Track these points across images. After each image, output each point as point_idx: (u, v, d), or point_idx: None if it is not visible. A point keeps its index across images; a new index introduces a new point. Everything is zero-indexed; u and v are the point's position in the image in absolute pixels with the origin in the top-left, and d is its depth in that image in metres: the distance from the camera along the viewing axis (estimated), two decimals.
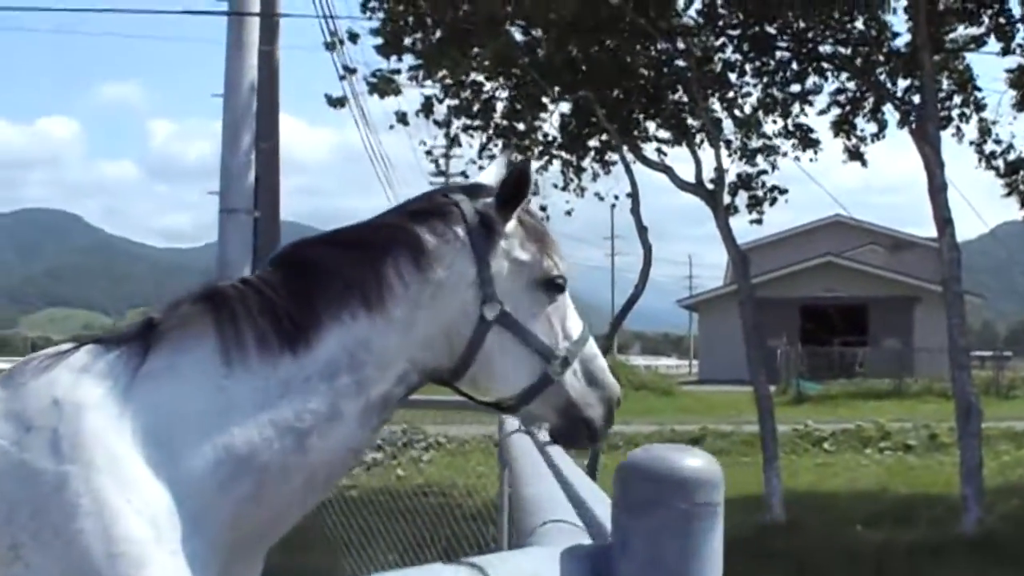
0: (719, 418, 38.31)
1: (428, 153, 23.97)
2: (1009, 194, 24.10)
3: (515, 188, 4.24)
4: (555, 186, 24.44)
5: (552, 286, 4.30)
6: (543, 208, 24.47)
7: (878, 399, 47.93)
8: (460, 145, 23.69)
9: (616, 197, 24.77)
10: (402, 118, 21.95)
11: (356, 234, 4.28)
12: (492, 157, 22.67)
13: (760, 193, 23.79)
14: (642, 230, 21.46)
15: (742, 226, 25.52)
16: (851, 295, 68.40)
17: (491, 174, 4.66)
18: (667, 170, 22.01)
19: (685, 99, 22.41)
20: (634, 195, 21.64)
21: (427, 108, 22.19)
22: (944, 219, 18.89)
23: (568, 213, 24.85)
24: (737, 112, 23.12)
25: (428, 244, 4.12)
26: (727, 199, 22.37)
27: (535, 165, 23.59)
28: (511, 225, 4.28)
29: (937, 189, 19.02)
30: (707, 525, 2.05)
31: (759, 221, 24.19)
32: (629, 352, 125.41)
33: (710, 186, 21.39)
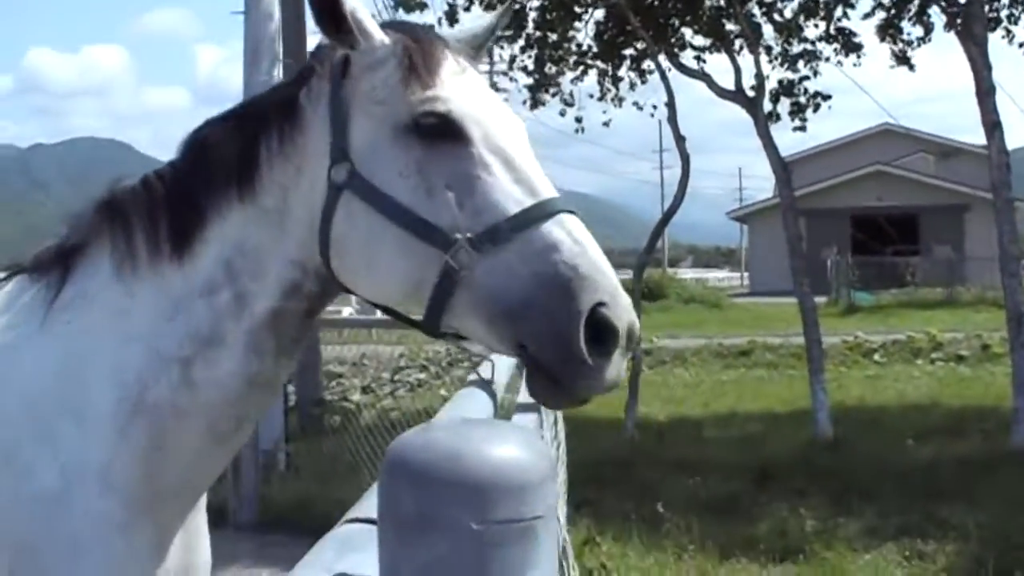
0: (768, 331, 38.03)
1: None
2: None
3: None
4: (591, 96, 23.78)
5: (424, 131, 3.12)
6: (578, 120, 23.98)
7: (930, 309, 47.42)
8: (490, 58, 23.07)
9: (655, 107, 24.18)
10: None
11: (247, 105, 3.57)
12: (524, 68, 22.20)
13: (802, 100, 23.08)
14: (679, 139, 20.98)
15: (790, 137, 25.00)
16: (901, 204, 67.60)
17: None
18: (705, 77, 21.38)
19: (722, 3, 21.71)
20: (671, 104, 21.10)
21: (451, 16, 21.38)
22: (992, 123, 18.26)
23: (606, 124, 24.28)
24: (777, 16, 22.36)
25: (297, 107, 3.33)
26: (768, 106, 21.74)
27: (570, 75, 23.11)
28: (376, 56, 3.26)
29: (984, 92, 18.38)
30: (513, 554, 1.31)
31: (803, 128, 23.46)
32: (681, 266, 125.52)
33: (750, 93, 20.74)
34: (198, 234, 3.31)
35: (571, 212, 3.08)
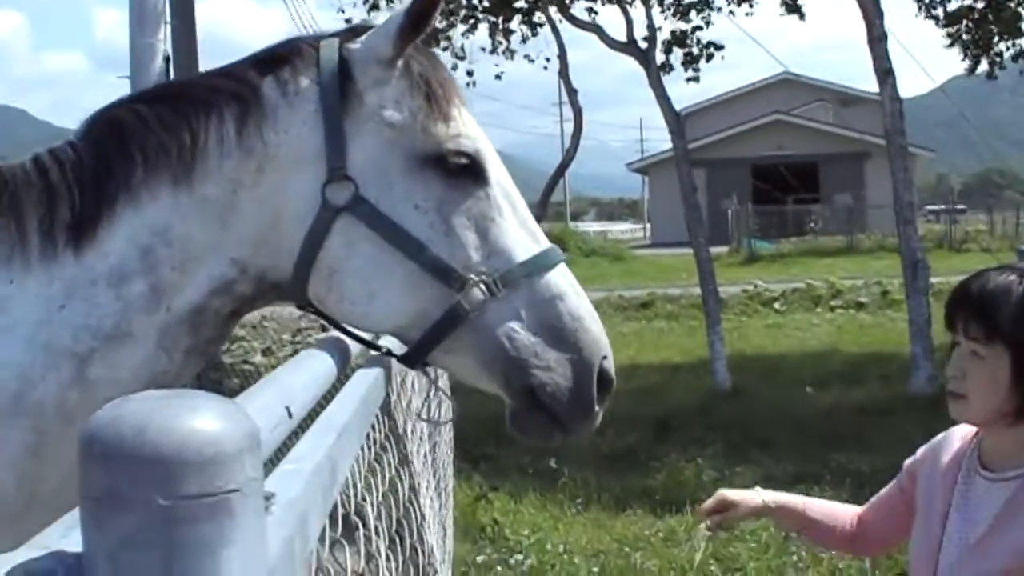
0: (669, 282, 38.06)
1: (347, 22, 22.80)
2: (951, 44, 23.76)
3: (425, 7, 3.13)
4: (483, 50, 23.60)
5: (449, 167, 3.12)
6: (470, 74, 23.78)
7: (830, 257, 47.80)
8: (379, 9, 22.78)
9: (548, 60, 24.04)
10: None
11: (180, 87, 3.29)
12: None
13: (695, 50, 23.04)
14: (572, 92, 20.93)
15: (691, 89, 24.94)
16: (801, 153, 68.04)
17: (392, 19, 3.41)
18: (597, 29, 21.21)
19: None
20: (562, 56, 21.06)
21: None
22: (884, 70, 18.29)
23: (498, 77, 24.11)
24: None
25: (262, 99, 3.08)
26: (660, 58, 21.64)
27: (460, 29, 22.89)
28: (386, 71, 3.14)
29: (876, 39, 18.41)
30: (206, 530, 1.15)
31: (696, 79, 23.48)
32: (583, 219, 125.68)
33: (643, 44, 20.60)
34: (105, 222, 3.00)
35: (564, 261, 3.27)
